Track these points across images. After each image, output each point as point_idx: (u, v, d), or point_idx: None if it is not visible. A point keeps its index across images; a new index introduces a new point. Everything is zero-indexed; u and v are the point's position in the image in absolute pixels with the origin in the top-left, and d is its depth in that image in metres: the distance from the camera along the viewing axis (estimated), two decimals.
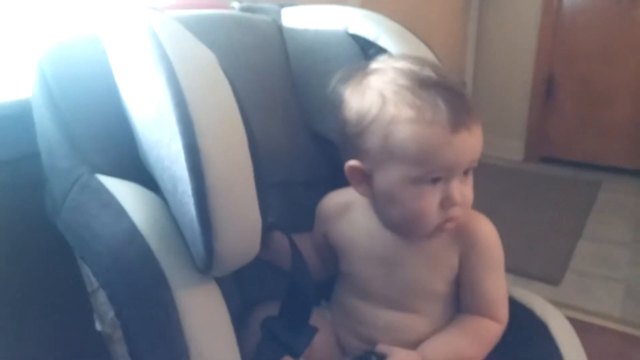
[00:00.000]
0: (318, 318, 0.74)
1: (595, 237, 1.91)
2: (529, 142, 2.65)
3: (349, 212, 0.72)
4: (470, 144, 0.60)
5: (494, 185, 2.33)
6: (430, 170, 0.59)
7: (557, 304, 1.48)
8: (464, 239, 0.67)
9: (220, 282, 0.68)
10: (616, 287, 1.61)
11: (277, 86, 0.85)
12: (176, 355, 0.51)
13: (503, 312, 0.68)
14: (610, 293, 1.58)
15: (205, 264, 0.51)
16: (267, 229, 0.71)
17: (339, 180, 0.76)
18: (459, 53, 2.64)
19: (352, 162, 0.65)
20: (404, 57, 0.69)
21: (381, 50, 0.76)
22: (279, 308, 0.68)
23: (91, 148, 0.61)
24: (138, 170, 0.60)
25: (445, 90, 0.59)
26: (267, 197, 0.55)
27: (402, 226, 0.65)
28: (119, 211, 0.54)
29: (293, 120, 0.86)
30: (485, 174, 2.44)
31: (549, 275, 1.63)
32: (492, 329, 0.67)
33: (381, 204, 0.65)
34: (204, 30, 0.73)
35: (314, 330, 0.67)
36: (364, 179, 0.65)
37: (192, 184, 0.48)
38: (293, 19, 0.86)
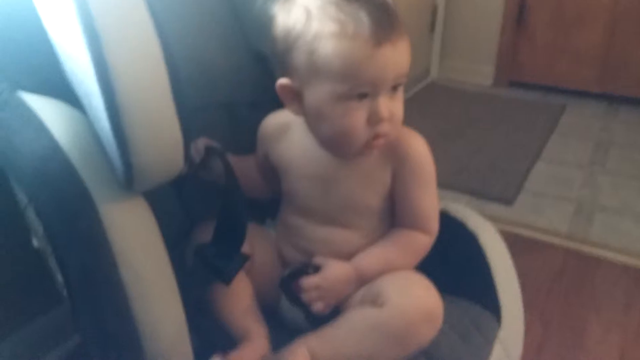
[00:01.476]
0: (261, 234, 0.78)
1: (553, 158, 1.96)
2: (499, 66, 2.65)
3: (287, 132, 0.74)
4: (394, 58, 0.60)
5: (462, 109, 2.35)
6: (355, 85, 0.60)
7: (508, 222, 1.56)
8: (396, 156, 0.68)
9: (163, 200, 0.70)
10: (567, 206, 1.68)
11: (217, 6, 0.83)
12: (103, 266, 0.53)
13: (433, 225, 0.71)
14: (560, 212, 1.65)
15: (125, 178, 0.52)
16: (207, 154, 0.72)
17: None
18: None
19: (282, 81, 0.65)
20: None
21: None
22: (212, 233, 0.70)
23: (12, 65, 0.60)
24: (64, 87, 0.59)
25: (370, 4, 0.59)
26: (191, 113, 0.56)
27: (333, 143, 0.66)
28: (40, 127, 0.54)
29: (235, 41, 0.85)
30: (455, 98, 2.46)
31: (504, 195, 1.69)
32: (421, 241, 0.71)
33: (311, 122, 0.67)
34: None
35: (246, 257, 0.69)
36: (295, 98, 0.66)
37: (104, 99, 0.47)
38: None
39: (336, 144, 0.66)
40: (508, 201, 1.67)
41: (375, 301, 0.63)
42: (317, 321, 0.66)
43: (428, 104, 2.28)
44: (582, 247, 1.48)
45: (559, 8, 2.45)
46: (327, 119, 0.63)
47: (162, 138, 0.52)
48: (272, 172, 0.77)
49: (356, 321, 0.63)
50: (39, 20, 0.60)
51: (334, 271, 0.67)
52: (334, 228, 0.71)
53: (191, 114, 0.54)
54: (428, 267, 0.71)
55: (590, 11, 2.39)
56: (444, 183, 1.54)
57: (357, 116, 0.61)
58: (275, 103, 0.80)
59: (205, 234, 0.72)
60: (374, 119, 0.62)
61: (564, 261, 1.43)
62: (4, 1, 0.61)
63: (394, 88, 0.63)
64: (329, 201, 0.70)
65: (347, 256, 0.69)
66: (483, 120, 2.25)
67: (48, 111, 0.56)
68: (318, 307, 0.66)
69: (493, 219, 1.52)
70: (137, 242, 0.55)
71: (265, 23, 0.68)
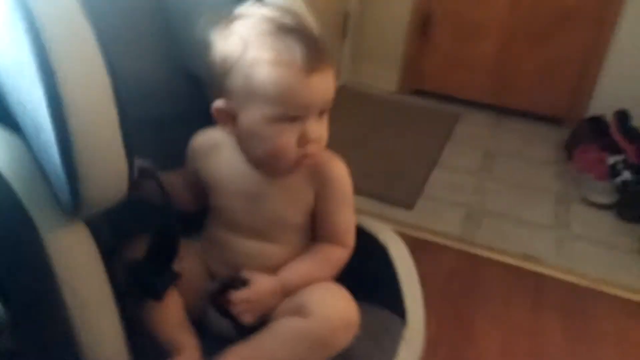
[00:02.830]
0: (188, 247, 0.80)
1: (448, 165, 2.13)
2: (403, 74, 2.80)
3: (218, 150, 0.77)
4: (323, 85, 0.67)
5: (366, 114, 2.46)
6: (287, 109, 0.66)
7: (409, 226, 1.69)
8: (319, 177, 0.75)
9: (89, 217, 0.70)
10: (459, 211, 1.85)
11: (149, 21, 0.85)
12: (47, 292, 0.54)
13: (350, 239, 0.79)
14: (453, 216, 1.81)
15: (70, 206, 0.53)
16: (140, 175, 0.74)
17: (211, 118, 0.80)
18: None
19: (218, 103, 0.70)
20: (268, 5, 0.73)
21: None
22: (145, 251, 0.72)
23: None
24: (2, 111, 0.59)
25: (303, 37, 0.65)
26: (133, 140, 0.58)
27: (265, 162, 0.71)
28: None
29: (165, 56, 0.87)
30: (360, 103, 2.57)
31: (405, 201, 1.82)
32: (339, 255, 0.78)
33: (245, 142, 0.71)
34: None
35: (177, 275, 0.72)
36: (230, 119, 0.70)
37: (56, 133, 0.49)
38: None
39: (267, 163, 0.71)
40: (409, 205, 1.81)
41: (300, 312, 0.68)
42: (245, 331, 0.70)
43: (338, 107, 2.34)
44: (472, 249, 1.65)
45: (459, 20, 2.61)
46: (261, 139, 0.68)
47: (110, 168, 0.54)
48: (200, 187, 0.80)
49: (284, 331, 0.68)
50: None
51: (262, 285, 0.72)
52: (260, 242, 0.76)
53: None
54: (345, 277, 0.78)
55: (487, 25, 2.56)
56: None
57: (288, 137, 0.67)
58: (203, 119, 0.83)
59: (134, 251, 0.74)
60: (303, 140, 0.68)
61: (456, 262, 1.59)
62: None
63: (321, 112, 0.70)
64: (256, 217, 0.75)
65: (272, 269, 0.75)
66: (388, 126, 2.39)
67: None
68: (247, 318, 0.71)
69: (395, 222, 1.67)
70: (80, 267, 0.56)
71: (202, 46, 0.71)
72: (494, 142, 2.38)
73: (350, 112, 2.41)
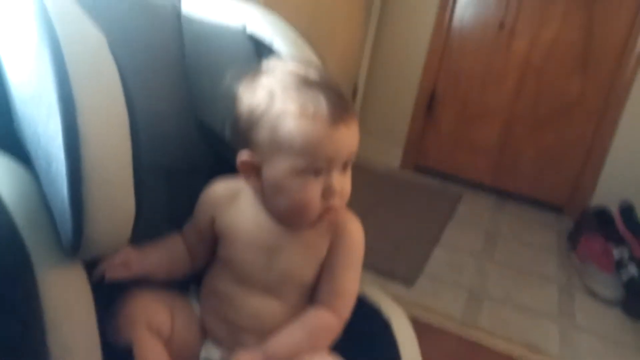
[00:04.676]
0: (183, 305, 0.77)
1: (450, 245, 2.10)
2: (407, 150, 2.83)
3: (235, 200, 0.76)
4: (348, 137, 0.67)
5: (370, 188, 2.47)
6: (313, 161, 0.65)
7: (408, 304, 1.63)
8: (335, 231, 0.73)
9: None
10: (460, 292, 1.80)
11: (169, 71, 0.85)
12: (32, 333, 0.50)
13: (347, 307, 0.74)
14: (454, 297, 1.76)
15: (72, 246, 0.51)
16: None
17: (220, 171, 0.79)
18: (355, 61, 2.75)
19: (244, 155, 0.69)
20: (292, 60, 0.76)
21: (273, 52, 0.81)
22: None
23: None
24: (13, 143, 0.58)
25: (327, 90, 0.66)
26: (143, 185, 0.56)
27: (287, 215, 0.70)
28: None
29: (182, 107, 0.87)
30: (364, 177, 2.58)
31: (406, 277, 1.78)
32: (330, 325, 0.73)
33: (269, 195, 0.70)
34: (99, 7, 0.72)
35: None
36: (254, 171, 0.69)
37: (68, 166, 0.47)
38: (193, 6, 0.87)
39: (291, 216, 0.70)
40: (409, 282, 1.76)
41: None
42: None
43: None
44: (472, 333, 1.59)
45: (464, 102, 2.68)
46: (285, 192, 0.67)
47: (117, 209, 0.52)
48: (209, 239, 0.77)
49: None
50: None
51: None
52: (266, 298, 0.73)
53: None
54: (342, 347, 0.74)
55: (491, 109, 2.63)
56: None
57: (313, 190, 0.66)
58: (213, 171, 0.82)
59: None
60: (327, 193, 0.67)
61: (456, 347, 1.52)
62: None
63: (345, 165, 0.69)
64: (270, 270, 0.72)
65: (271, 329, 0.71)
66: (390, 201, 2.38)
67: None
68: None
69: (394, 298, 1.60)
70: (71, 312, 0.53)
71: (226, 99, 0.72)
72: (495, 225, 2.37)
73: (353, 185, 2.40)
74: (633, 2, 2.30)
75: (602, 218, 2.16)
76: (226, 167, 0.78)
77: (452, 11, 2.59)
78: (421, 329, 1.50)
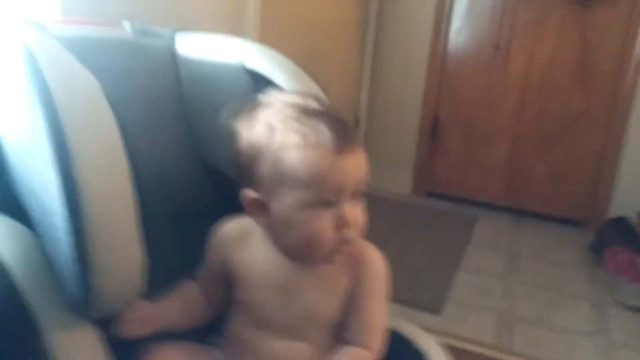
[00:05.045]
0: (202, 353, 0.73)
1: (472, 268, 2.05)
2: (416, 177, 2.81)
3: (245, 240, 0.72)
4: (355, 165, 0.63)
5: (383, 216, 2.43)
6: (320, 192, 0.62)
7: (438, 332, 1.57)
8: (357, 266, 0.69)
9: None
10: (490, 316, 1.73)
11: (169, 114, 0.84)
12: None
13: (379, 342, 0.70)
14: (484, 321, 1.69)
15: (79, 303, 0.47)
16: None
17: (228, 211, 0.76)
18: (354, 92, 2.76)
19: (248, 193, 0.66)
20: (290, 91, 0.73)
21: (273, 85, 0.78)
22: None
23: None
24: (10, 200, 0.55)
25: (328, 117, 0.63)
26: (151, 232, 0.53)
27: (300, 251, 0.66)
28: None
29: (184, 149, 0.85)
30: (376, 206, 2.54)
31: (431, 305, 1.72)
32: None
33: (278, 231, 0.66)
34: (92, 53, 0.70)
35: None
36: (261, 209, 0.66)
37: (69, 220, 0.45)
38: (188, 46, 0.86)
39: (303, 252, 0.66)
40: (435, 310, 1.70)
41: None
42: None
43: None
44: (508, 358, 1.52)
45: (468, 125, 2.67)
46: (295, 226, 0.63)
47: (124, 259, 0.49)
48: (225, 282, 0.73)
49: None
50: None
51: None
52: (290, 341, 0.69)
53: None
54: None
55: (496, 128, 2.62)
56: None
57: (324, 222, 0.63)
58: (222, 211, 0.79)
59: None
60: (340, 224, 0.63)
61: None
62: None
63: (355, 194, 0.65)
64: (288, 312, 0.68)
65: None
66: (405, 229, 2.34)
67: None
68: None
69: (422, 328, 1.54)
70: None
71: (224, 136, 0.69)
72: (515, 245, 2.32)
73: (366, 214, 2.36)
74: (625, 9, 2.31)
75: (622, 228, 2.11)
76: (235, 206, 0.75)
77: (446, 35, 2.60)
78: (455, 356, 1.44)
